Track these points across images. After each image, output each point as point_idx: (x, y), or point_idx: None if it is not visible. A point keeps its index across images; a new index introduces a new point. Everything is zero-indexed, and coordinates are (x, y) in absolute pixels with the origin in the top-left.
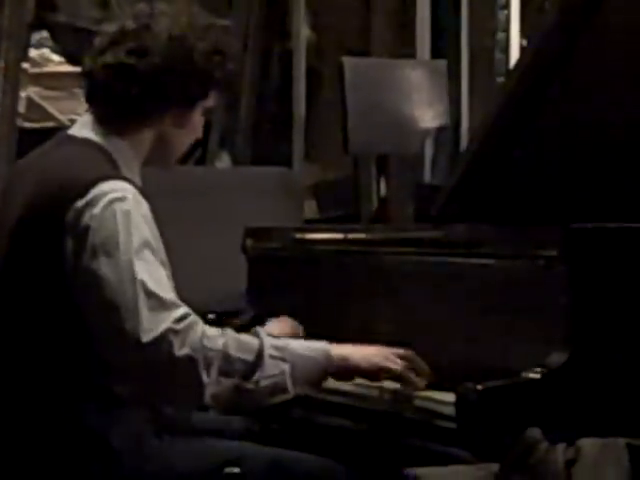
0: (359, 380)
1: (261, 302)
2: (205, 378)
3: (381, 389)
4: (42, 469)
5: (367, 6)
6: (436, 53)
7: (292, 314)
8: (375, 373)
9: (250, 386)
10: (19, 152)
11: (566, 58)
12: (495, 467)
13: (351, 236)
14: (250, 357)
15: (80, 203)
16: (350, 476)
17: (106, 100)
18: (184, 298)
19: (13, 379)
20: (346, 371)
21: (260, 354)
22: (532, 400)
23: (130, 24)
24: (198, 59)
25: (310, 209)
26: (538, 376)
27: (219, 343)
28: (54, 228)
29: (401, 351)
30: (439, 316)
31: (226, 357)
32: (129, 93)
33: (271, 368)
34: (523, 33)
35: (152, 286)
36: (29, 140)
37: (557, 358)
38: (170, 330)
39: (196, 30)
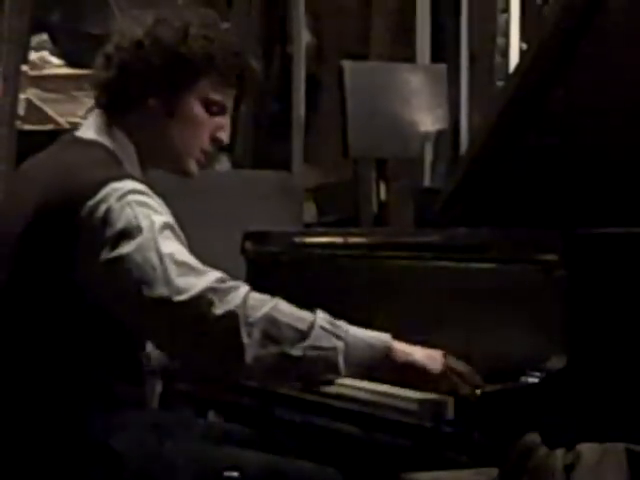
0: (361, 384)
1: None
2: (245, 338)
3: (385, 394)
4: (43, 473)
5: (367, 10)
6: (436, 57)
7: None
8: (434, 376)
9: (297, 353)
10: (18, 154)
11: (566, 61)
12: (494, 472)
13: (351, 240)
14: (301, 325)
15: (92, 201)
16: None
17: (100, 92)
18: None
19: (15, 383)
20: (405, 367)
21: (312, 324)
22: (531, 404)
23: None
24: (166, 37)
25: (310, 213)
26: (537, 380)
27: (265, 306)
28: (67, 228)
29: (458, 363)
30: (438, 320)
31: (272, 321)
32: (111, 77)
33: (322, 340)
34: (523, 37)
35: (181, 257)
36: (28, 142)
37: (556, 362)
38: (209, 289)
39: (175, 15)
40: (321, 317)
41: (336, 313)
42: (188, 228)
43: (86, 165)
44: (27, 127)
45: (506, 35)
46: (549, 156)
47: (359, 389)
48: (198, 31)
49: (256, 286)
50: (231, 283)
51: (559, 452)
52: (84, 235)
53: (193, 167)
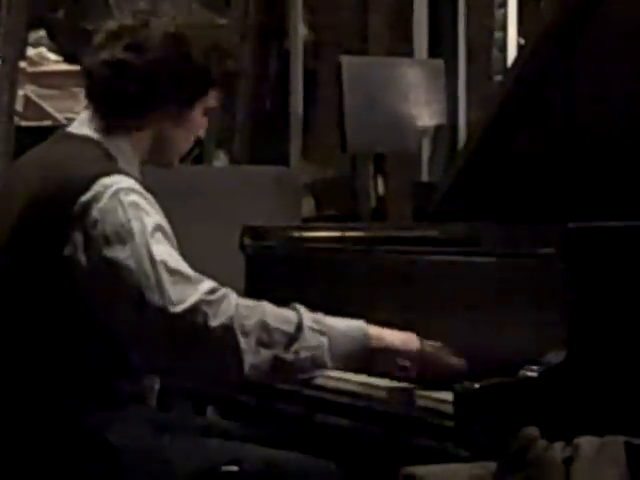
0: (359, 378)
1: (259, 300)
2: (244, 346)
3: (380, 387)
4: (41, 468)
5: (365, 5)
6: (433, 52)
7: None
8: (408, 354)
9: (290, 357)
10: (17, 150)
11: (564, 55)
12: (493, 465)
13: (349, 234)
14: (289, 328)
15: (85, 197)
16: (347, 476)
17: (105, 97)
18: None
19: (12, 377)
20: (380, 351)
21: (300, 325)
22: (530, 398)
23: (128, 21)
24: (196, 57)
25: (308, 207)
26: (536, 374)
27: (256, 312)
28: (60, 223)
29: (431, 343)
30: (437, 314)
31: (264, 327)
32: (126, 91)
33: (311, 340)
34: (520, 32)
35: (174, 264)
36: (27, 138)
37: (555, 356)
38: (202, 301)
39: (194, 27)
40: (306, 316)
41: (334, 307)
42: (186, 224)
43: (76, 160)
44: (25, 123)
45: (504, 29)
46: (547, 150)
47: (355, 383)
48: (212, 43)
49: (255, 281)
50: (221, 292)
51: (558, 445)
52: (77, 233)
53: (177, 161)
